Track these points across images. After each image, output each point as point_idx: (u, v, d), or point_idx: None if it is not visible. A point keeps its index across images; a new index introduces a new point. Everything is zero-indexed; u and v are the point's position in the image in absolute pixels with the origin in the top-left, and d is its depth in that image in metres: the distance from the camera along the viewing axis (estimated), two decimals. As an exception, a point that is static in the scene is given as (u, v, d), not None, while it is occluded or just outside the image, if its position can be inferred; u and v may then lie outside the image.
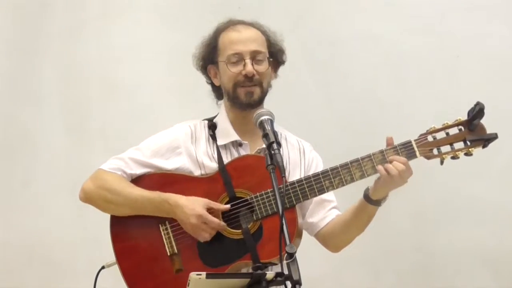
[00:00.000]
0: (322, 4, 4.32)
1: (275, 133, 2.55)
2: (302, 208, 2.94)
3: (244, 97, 2.89)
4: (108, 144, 4.23)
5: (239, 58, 2.89)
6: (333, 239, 2.95)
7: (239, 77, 2.89)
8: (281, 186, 2.43)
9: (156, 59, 4.37)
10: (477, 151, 2.75)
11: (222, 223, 2.77)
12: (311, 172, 2.89)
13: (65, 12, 4.44)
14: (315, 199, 2.90)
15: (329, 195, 2.94)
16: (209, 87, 3.07)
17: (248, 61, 2.88)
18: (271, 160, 2.48)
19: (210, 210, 2.78)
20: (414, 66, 4.21)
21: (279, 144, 2.51)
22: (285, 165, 2.81)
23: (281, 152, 2.67)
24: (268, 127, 2.57)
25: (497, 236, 4.10)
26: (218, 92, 3.03)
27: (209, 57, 2.98)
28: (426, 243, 4.19)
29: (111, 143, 4.25)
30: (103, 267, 2.94)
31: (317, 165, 2.97)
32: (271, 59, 2.95)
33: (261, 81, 2.90)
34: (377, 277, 4.22)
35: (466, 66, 4.15)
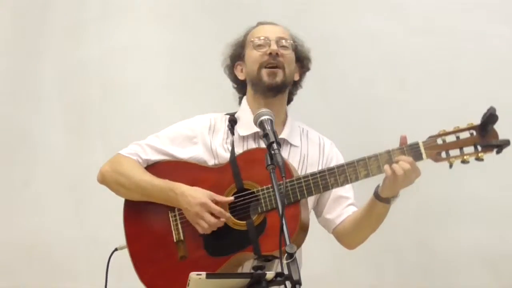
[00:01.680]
0: (320, 2, 4.33)
1: (275, 133, 2.56)
2: (319, 205, 2.98)
3: (267, 77, 2.93)
4: (108, 144, 4.22)
5: (265, 42, 2.96)
6: (347, 237, 2.97)
7: (263, 57, 2.94)
8: (281, 186, 2.44)
9: (156, 59, 4.37)
10: (488, 156, 2.71)
11: (227, 213, 2.80)
12: None
13: (65, 12, 4.44)
14: (332, 196, 2.94)
15: (346, 192, 2.96)
16: (222, 90, 3.14)
17: (273, 42, 2.95)
18: (271, 160, 2.48)
19: (213, 202, 2.81)
20: (413, 64, 4.21)
21: (279, 144, 2.52)
22: (304, 160, 2.93)
23: (302, 147, 2.85)
24: (268, 127, 2.58)
25: (498, 235, 4.10)
26: (241, 87, 3.08)
27: (237, 55, 3.04)
28: (428, 241, 4.19)
29: (111, 143, 4.24)
30: (116, 249, 2.99)
31: (337, 163, 2.95)
32: (295, 44, 3.01)
33: (284, 65, 2.95)
34: (378, 275, 4.22)
35: (466, 65, 4.15)
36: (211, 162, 2.94)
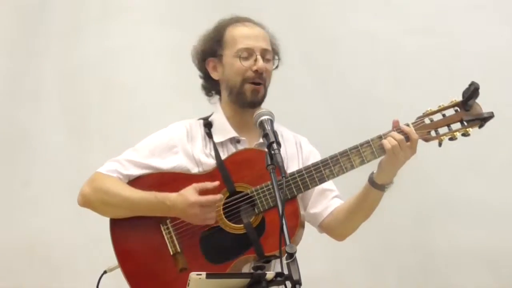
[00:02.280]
0: (320, 3, 4.33)
1: (275, 133, 2.55)
2: (303, 200, 2.93)
3: (250, 94, 2.88)
4: (108, 144, 4.23)
5: (249, 53, 2.88)
6: (338, 227, 2.93)
7: (248, 72, 2.87)
8: (280, 186, 2.43)
9: (156, 59, 4.38)
10: (474, 131, 2.74)
11: (218, 196, 2.74)
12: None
13: (65, 12, 4.44)
14: (316, 190, 2.90)
15: (329, 185, 2.93)
16: (199, 82, 3.05)
17: (259, 57, 2.87)
18: (271, 160, 2.47)
19: (203, 192, 2.75)
20: (412, 65, 4.22)
21: (279, 144, 2.51)
22: (284, 161, 2.83)
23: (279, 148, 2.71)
24: (268, 127, 2.57)
25: (496, 235, 4.10)
26: (212, 86, 3.01)
27: (210, 50, 2.96)
28: (426, 242, 4.19)
29: (111, 143, 4.24)
30: (105, 272, 2.91)
31: (315, 158, 2.95)
32: (278, 59, 2.95)
33: (265, 80, 2.91)
34: (377, 276, 4.22)
35: (466, 65, 4.15)
36: (194, 170, 2.88)
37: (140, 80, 4.37)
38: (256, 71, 2.86)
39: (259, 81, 2.88)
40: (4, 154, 4.38)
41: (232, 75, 2.90)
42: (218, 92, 3.01)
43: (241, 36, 2.91)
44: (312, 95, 4.30)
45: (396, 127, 2.76)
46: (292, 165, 2.90)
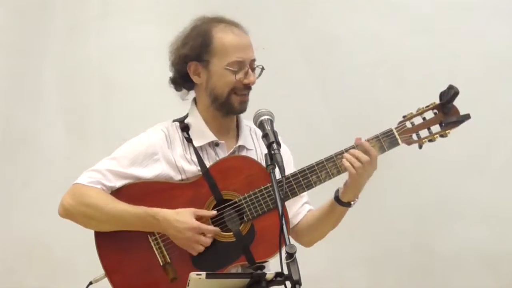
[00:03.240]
0: (320, 2, 4.33)
1: (275, 133, 2.54)
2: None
3: (238, 105, 2.82)
4: (108, 144, 4.21)
5: (240, 66, 2.80)
6: (306, 235, 2.92)
7: (238, 84, 2.80)
8: (280, 185, 2.43)
9: (156, 59, 4.35)
10: (453, 132, 2.77)
11: (217, 229, 2.73)
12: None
13: (65, 12, 4.44)
14: None
15: None
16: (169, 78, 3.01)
17: (250, 71, 2.81)
18: (271, 160, 2.47)
19: (198, 218, 2.72)
20: (412, 64, 4.22)
21: (279, 144, 2.50)
22: (260, 161, 2.82)
23: (256, 148, 2.79)
24: (268, 127, 2.56)
25: (496, 235, 4.11)
26: (185, 84, 2.94)
27: (195, 54, 2.87)
28: (426, 242, 4.19)
29: (111, 143, 4.22)
30: (90, 283, 2.86)
31: (287, 156, 2.91)
32: (262, 69, 2.88)
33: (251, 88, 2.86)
34: (377, 276, 4.22)
35: (466, 65, 4.15)
36: (177, 177, 2.80)
37: (140, 80, 4.37)
38: (246, 85, 2.82)
39: (247, 92, 2.83)
40: (4, 154, 4.38)
41: (220, 85, 2.82)
42: (189, 89, 2.95)
43: (232, 47, 2.81)
44: (311, 94, 4.30)
45: (357, 144, 2.73)
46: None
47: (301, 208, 2.93)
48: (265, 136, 2.55)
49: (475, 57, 4.15)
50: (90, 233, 4.09)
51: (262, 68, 2.87)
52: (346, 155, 2.71)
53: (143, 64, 4.37)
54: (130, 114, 4.34)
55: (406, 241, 4.19)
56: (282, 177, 2.43)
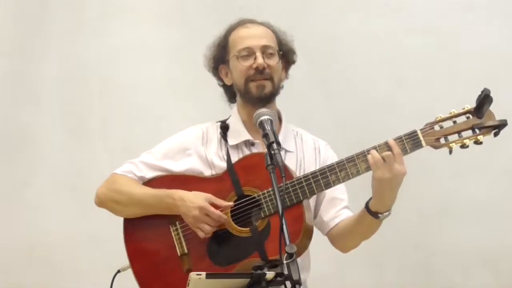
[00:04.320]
0: (320, 2, 4.33)
1: (274, 133, 2.55)
2: (316, 206, 2.94)
3: (255, 90, 2.89)
4: (108, 144, 4.23)
5: (249, 52, 2.90)
6: (340, 242, 2.94)
7: (250, 71, 2.89)
8: (280, 186, 2.43)
9: (156, 59, 4.37)
10: (487, 138, 2.68)
11: (224, 216, 2.77)
12: None
13: (65, 12, 4.44)
14: (327, 197, 2.91)
15: (341, 193, 2.93)
16: (220, 90, 3.07)
17: (259, 54, 2.89)
18: (271, 160, 2.47)
19: (213, 206, 2.78)
20: (413, 64, 4.21)
21: (278, 144, 2.51)
22: (300, 164, 2.89)
23: (297, 152, 2.85)
24: (268, 127, 2.57)
25: (498, 234, 4.10)
26: (230, 92, 3.04)
27: (219, 57, 2.99)
28: (428, 242, 4.19)
29: (111, 143, 4.25)
30: (118, 271, 2.96)
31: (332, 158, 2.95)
32: (281, 53, 2.95)
33: (272, 75, 2.91)
34: (379, 275, 4.22)
35: (466, 65, 4.15)
36: (207, 172, 2.90)
37: (140, 80, 4.37)
38: (256, 68, 2.88)
39: (261, 77, 2.89)
40: (4, 154, 4.38)
41: (237, 76, 2.93)
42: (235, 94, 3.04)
43: (240, 38, 2.94)
44: (312, 95, 4.30)
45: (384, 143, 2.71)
46: (309, 170, 2.85)
47: (339, 212, 2.94)
48: (265, 136, 2.55)
49: (475, 57, 4.14)
50: (90, 233, 4.11)
51: (279, 52, 2.93)
52: (371, 151, 2.69)
53: (143, 64, 4.38)
54: (130, 114, 4.35)
55: (407, 241, 4.18)
56: (282, 177, 2.43)
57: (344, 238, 2.92)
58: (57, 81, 4.42)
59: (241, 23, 3.00)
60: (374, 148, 2.70)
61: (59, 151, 4.37)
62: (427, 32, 4.19)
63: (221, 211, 2.77)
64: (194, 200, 2.77)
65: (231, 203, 2.79)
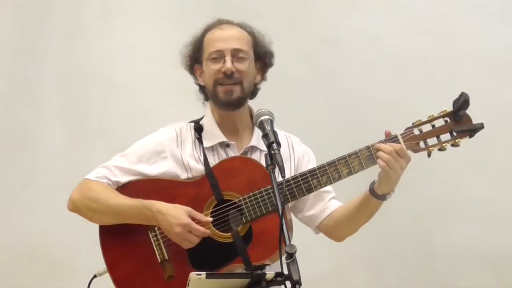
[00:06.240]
0: (319, 3, 4.33)
1: (275, 133, 2.54)
2: (299, 203, 2.92)
3: (223, 95, 2.85)
4: (108, 144, 4.23)
5: (219, 55, 2.85)
6: (338, 230, 2.93)
7: (218, 74, 2.85)
8: (280, 186, 2.42)
9: (156, 59, 4.37)
10: (464, 141, 2.73)
11: (207, 231, 2.74)
12: (302, 167, 2.89)
13: (65, 12, 4.44)
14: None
15: (326, 187, 2.90)
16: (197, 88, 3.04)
17: (228, 58, 2.84)
18: (271, 160, 2.47)
19: (192, 219, 2.74)
20: (412, 65, 4.22)
21: (279, 144, 2.50)
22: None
23: (258, 153, 2.80)
24: (268, 127, 2.56)
25: (497, 235, 4.11)
26: (205, 92, 2.99)
27: (194, 57, 2.95)
28: (427, 242, 4.20)
29: (111, 143, 4.24)
30: (95, 276, 2.91)
31: (309, 159, 2.95)
32: (255, 56, 2.90)
33: (242, 80, 2.86)
34: (378, 276, 4.22)
35: (466, 65, 4.16)
36: (183, 175, 2.85)
37: (140, 80, 4.37)
38: (224, 73, 2.84)
39: (230, 81, 2.84)
40: (4, 154, 4.38)
41: (207, 79, 2.90)
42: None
43: (213, 40, 2.89)
44: (312, 95, 4.30)
45: (388, 135, 2.74)
46: (285, 167, 2.84)
47: (328, 203, 2.93)
48: (265, 136, 2.54)
49: (475, 57, 4.15)
50: (90, 233, 4.10)
51: (252, 45, 2.88)
52: (379, 145, 2.70)
53: (143, 64, 4.38)
54: (130, 114, 4.35)
55: (406, 241, 4.19)
56: (282, 177, 2.42)
57: (342, 227, 2.91)
58: (57, 81, 4.43)
59: (217, 23, 2.95)
60: (355, 153, 2.72)
61: (59, 151, 4.38)
62: (427, 32, 4.19)
63: (200, 225, 2.73)
64: (176, 215, 2.72)
65: (210, 219, 2.75)
